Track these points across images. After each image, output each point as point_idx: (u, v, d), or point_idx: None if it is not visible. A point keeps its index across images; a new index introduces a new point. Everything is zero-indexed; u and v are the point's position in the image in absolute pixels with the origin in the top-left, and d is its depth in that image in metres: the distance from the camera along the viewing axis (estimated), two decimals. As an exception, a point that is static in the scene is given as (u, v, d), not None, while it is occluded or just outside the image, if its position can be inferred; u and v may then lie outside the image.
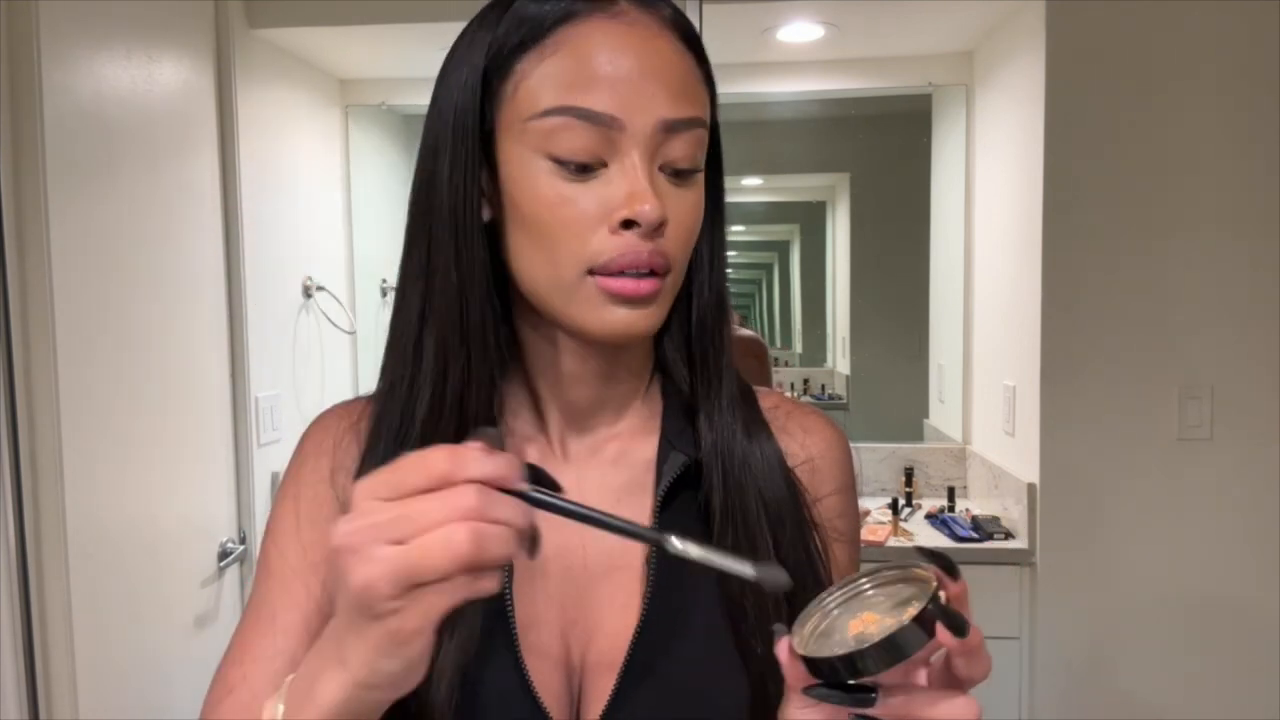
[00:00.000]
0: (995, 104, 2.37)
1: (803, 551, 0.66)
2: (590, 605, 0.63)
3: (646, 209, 0.55)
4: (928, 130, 2.70)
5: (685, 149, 0.58)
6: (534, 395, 0.66)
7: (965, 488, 2.57)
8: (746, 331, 2.87)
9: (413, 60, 2.51)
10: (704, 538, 0.62)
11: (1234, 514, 1.95)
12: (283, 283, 2.36)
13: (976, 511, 2.34)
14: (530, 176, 0.57)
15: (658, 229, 0.56)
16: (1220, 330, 1.94)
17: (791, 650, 0.50)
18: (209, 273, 2.03)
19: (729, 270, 0.69)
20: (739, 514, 0.63)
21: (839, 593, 0.52)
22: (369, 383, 0.90)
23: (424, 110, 0.62)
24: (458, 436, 0.59)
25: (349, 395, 0.68)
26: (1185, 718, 1.97)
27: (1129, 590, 1.97)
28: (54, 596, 1.56)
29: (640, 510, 0.66)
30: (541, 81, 0.56)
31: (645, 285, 0.57)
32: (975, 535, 2.14)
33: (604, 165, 0.57)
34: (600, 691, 0.61)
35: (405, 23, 2.18)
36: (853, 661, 0.46)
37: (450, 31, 0.63)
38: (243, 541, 2.12)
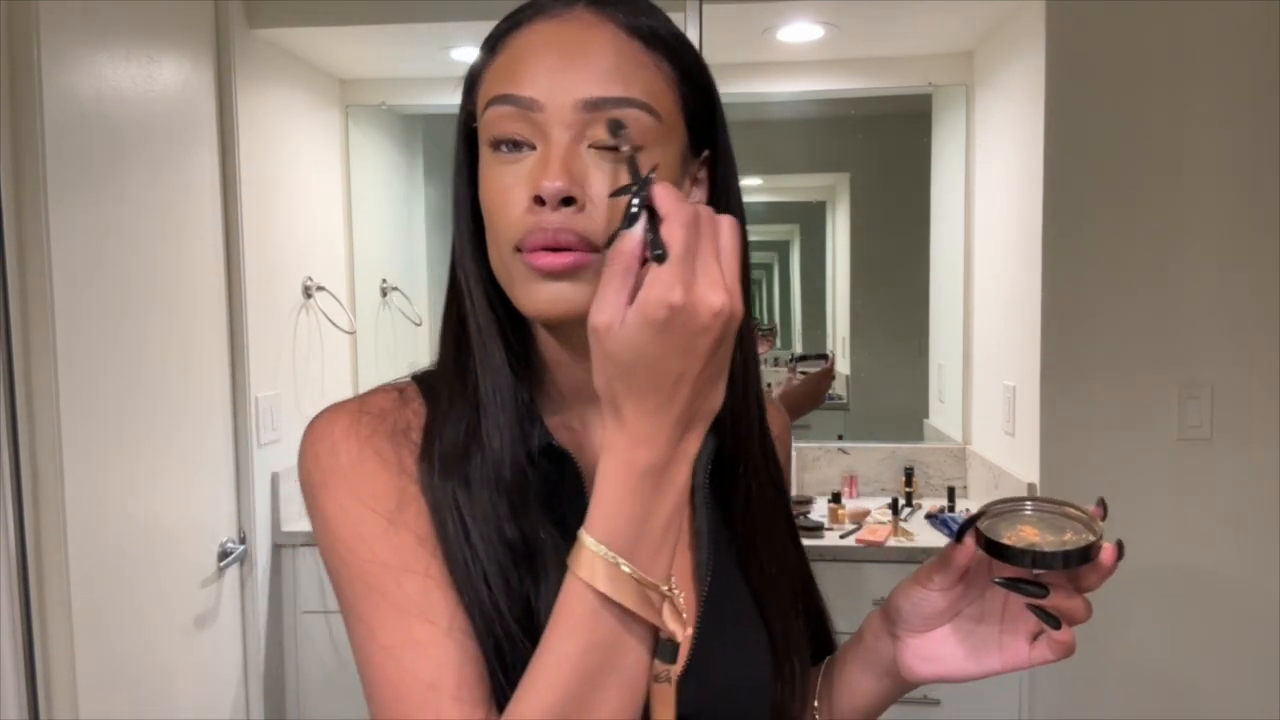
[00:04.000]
0: (995, 104, 2.37)
1: (798, 549, 0.76)
2: None
3: (545, 183, 0.57)
4: (928, 130, 2.70)
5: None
6: (564, 397, 0.68)
7: (965, 488, 2.57)
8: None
9: (413, 60, 2.50)
10: (723, 517, 0.69)
11: (1234, 514, 1.95)
12: (283, 283, 2.36)
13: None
14: (484, 168, 0.62)
15: (569, 203, 0.57)
16: (1220, 330, 1.94)
17: (978, 533, 0.60)
18: (209, 273, 2.03)
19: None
20: (758, 502, 0.69)
21: (1002, 504, 0.63)
22: (369, 382, 0.91)
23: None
24: (476, 416, 0.63)
25: (349, 395, 0.68)
26: (1185, 717, 1.97)
27: (1128, 590, 1.97)
28: (54, 596, 1.56)
29: None
30: (490, 84, 0.62)
31: (561, 259, 0.57)
32: (975, 535, 2.14)
33: (534, 149, 0.59)
34: None
35: (405, 23, 2.17)
36: (1044, 556, 0.57)
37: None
38: (243, 541, 2.12)
